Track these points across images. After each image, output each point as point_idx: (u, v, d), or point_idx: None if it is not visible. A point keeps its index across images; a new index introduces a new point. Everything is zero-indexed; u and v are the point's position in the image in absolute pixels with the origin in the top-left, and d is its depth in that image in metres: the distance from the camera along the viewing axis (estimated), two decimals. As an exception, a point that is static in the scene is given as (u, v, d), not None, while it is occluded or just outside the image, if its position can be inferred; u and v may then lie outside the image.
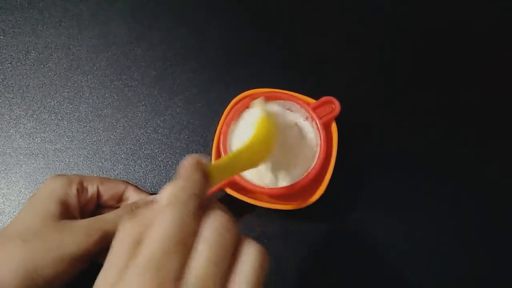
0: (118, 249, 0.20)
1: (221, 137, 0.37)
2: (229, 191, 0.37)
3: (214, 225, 0.21)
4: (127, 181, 0.38)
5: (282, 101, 0.39)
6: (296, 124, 0.40)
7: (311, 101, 0.39)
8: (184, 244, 0.19)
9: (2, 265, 0.27)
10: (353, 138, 0.43)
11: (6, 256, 0.28)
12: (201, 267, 0.19)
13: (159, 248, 0.19)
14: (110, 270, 0.19)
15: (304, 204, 0.37)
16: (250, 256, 0.21)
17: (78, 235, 0.29)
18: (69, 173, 0.42)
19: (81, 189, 0.33)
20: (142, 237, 0.20)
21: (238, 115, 0.39)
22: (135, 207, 0.33)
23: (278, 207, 0.37)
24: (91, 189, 0.34)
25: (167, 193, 0.21)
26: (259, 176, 0.37)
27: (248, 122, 0.39)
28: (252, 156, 0.31)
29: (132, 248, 0.20)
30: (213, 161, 0.25)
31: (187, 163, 0.23)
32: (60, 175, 0.33)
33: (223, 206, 0.23)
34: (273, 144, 0.34)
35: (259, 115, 0.34)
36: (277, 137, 0.35)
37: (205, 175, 0.23)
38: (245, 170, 0.32)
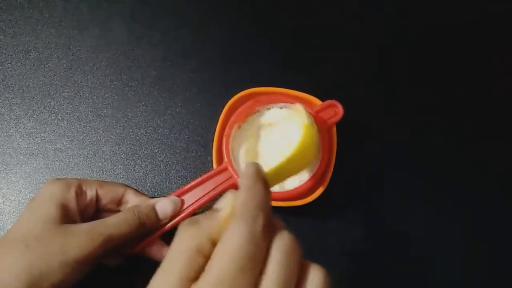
0: (178, 255, 0.20)
1: (224, 139, 0.37)
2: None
3: (283, 245, 0.20)
4: (126, 184, 0.38)
5: (284, 104, 0.39)
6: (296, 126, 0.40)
7: (316, 100, 0.39)
8: (256, 262, 0.19)
9: (6, 271, 0.27)
10: (353, 138, 0.43)
11: (10, 262, 0.27)
12: (272, 287, 0.19)
13: (231, 265, 0.18)
14: (169, 277, 0.19)
15: (304, 202, 0.37)
16: (316, 281, 0.21)
17: (81, 239, 0.29)
18: (69, 174, 0.42)
19: (80, 193, 0.33)
20: (205, 247, 0.19)
21: (243, 118, 0.39)
22: (137, 211, 0.33)
23: (280, 204, 0.37)
24: (90, 193, 0.33)
25: (228, 203, 0.21)
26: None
27: (255, 127, 0.39)
28: (299, 162, 0.32)
29: (194, 257, 0.19)
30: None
31: (250, 171, 0.22)
32: (58, 179, 0.33)
33: (285, 226, 0.22)
34: (315, 151, 0.35)
35: (302, 122, 0.34)
36: (318, 143, 0.36)
37: (267, 186, 0.22)
38: (291, 176, 0.33)
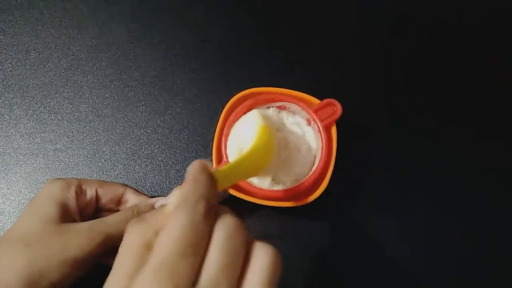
0: (126, 253, 0.20)
1: (223, 138, 0.37)
2: (231, 191, 0.37)
3: (225, 229, 0.21)
4: (126, 184, 0.38)
5: (282, 103, 0.39)
6: (296, 126, 0.40)
7: (314, 100, 0.39)
8: (197, 247, 0.19)
9: (6, 270, 0.27)
10: (353, 138, 0.43)
11: (10, 261, 0.28)
12: (214, 271, 0.19)
13: (172, 251, 0.19)
14: (118, 275, 0.19)
15: (303, 202, 0.37)
16: (262, 259, 0.21)
17: (80, 238, 0.29)
18: (69, 174, 0.42)
19: (80, 192, 0.33)
20: (151, 241, 0.20)
21: (240, 117, 0.39)
22: (136, 210, 0.33)
23: (278, 204, 0.37)
24: (90, 192, 0.34)
25: (175, 197, 0.21)
26: (260, 179, 0.37)
27: (248, 125, 0.39)
28: (253, 164, 0.32)
29: (141, 252, 0.19)
30: (217, 167, 0.25)
31: (193, 167, 0.23)
32: (58, 178, 0.33)
33: (231, 210, 0.23)
34: (272, 154, 0.35)
35: (257, 124, 0.34)
36: (275, 146, 0.36)
37: (212, 178, 0.23)
38: (247, 177, 0.34)
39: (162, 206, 0.22)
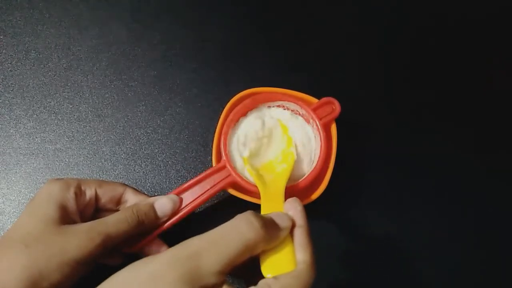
0: (235, 240, 0.23)
1: (222, 137, 0.37)
2: (231, 191, 0.37)
3: None
4: (125, 183, 0.38)
5: (282, 102, 0.39)
6: (296, 125, 0.40)
7: (313, 99, 0.39)
8: None
9: (6, 272, 0.27)
10: (353, 138, 0.43)
11: (10, 263, 0.27)
12: None
13: None
14: (221, 255, 0.23)
15: (304, 202, 0.37)
16: None
17: (80, 239, 0.29)
18: (69, 174, 0.42)
19: (79, 193, 0.33)
20: (256, 250, 0.24)
21: (239, 117, 0.39)
22: (136, 210, 0.33)
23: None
24: (89, 192, 0.33)
25: (288, 225, 0.26)
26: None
27: (249, 125, 0.39)
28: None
29: (246, 250, 0.23)
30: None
31: (303, 210, 0.28)
32: (57, 179, 0.33)
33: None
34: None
35: (293, 153, 0.38)
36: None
37: None
38: None
39: (276, 224, 0.26)
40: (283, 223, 0.26)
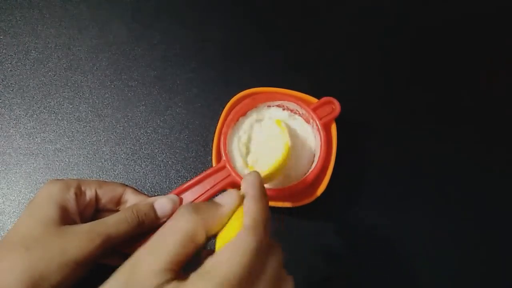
0: (170, 237, 0.22)
1: (222, 137, 0.37)
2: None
3: (276, 263, 0.22)
4: (125, 183, 0.38)
5: (281, 101, 0.39)
6: (295, 125, 0.40)
7: (311, 99, 0.39)
8: (254, 276, 0.21)
9: (7, 274, 0.27)
10: (353, 138, 0.43)
11: (10, 264, 0.27)
12: None
13: (239, 271, 0.20)
14: (157, 256, 0.21)
15: (303, 202, 0.37)
16: None
17: (80, 240, 0.29)
18: (69, 174, 0.42)
19: (79, 193, 0.33)
20: (199, 237, 0.22)
21: (238, 117, 0.39)
22: (136, 210, 0.32)
23: (278, 204, 0.37)
24: (89, 193, 0.33)
25: (232, 201, 0.24)
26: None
27: (249, 125, 0.39)
28: (277, 174, 0.36)
29: (186, 244, 0.21)
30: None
31: (256, 182, 0.25)
32: (57, 179, 0.33)
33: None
34: (287, 162, 0.38)
35: (284, 142, 0.37)
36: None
37: (266, 195, 0.25)
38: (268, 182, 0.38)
39: (215, 203, 0.24)
40: (223, 200, 0.25)
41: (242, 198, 0.25)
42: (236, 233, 0.22)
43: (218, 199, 0.25)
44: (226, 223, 0.25)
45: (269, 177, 0.36)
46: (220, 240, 0.24)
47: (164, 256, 0.21)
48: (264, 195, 0.24)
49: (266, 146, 0.39)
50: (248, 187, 0.25)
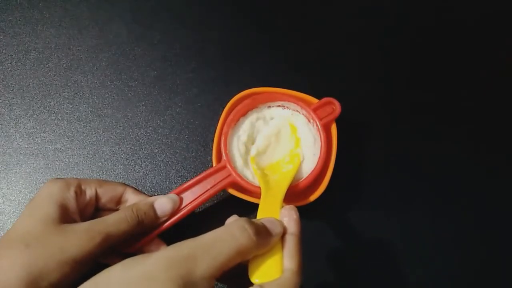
0: (228, 243, 0.23)
1: (222, 137, 0.37)
2: (231, 191, 0.37)
3: None
4: (125, 183, 0.38)
5: (282, 102, 0.39)
6: (296, 125, 0.40)
7: (311, 99, 0.39)
8: None
9: (6, 271, 0.27)
10: (353, 138, 0.43)
11: (10, 262, 0.27)
12: None
13: None
14: (213, 258, 0.23)
15: (303, 203, 0.37)
16: None
17: (80, 238, 0.29)
18: (69, 174, 0.42)
19: (80, 192, 0.33)
20: (247, 256, 0.24)
21: (239, 117, 0.39)
22: (135, 209, 0.33)
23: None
24: (89, 192, 0.33)
25: (279, 231, 0.26)
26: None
27: (249, 125, 0.39)
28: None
29: (236, 258, 0.23)
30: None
31: (298, 219, 0.28)
32: (57, 178, 0.33)
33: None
34: None
35: (299, 155, 0.38)
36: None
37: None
38: None
39: (269, 232, 0.26)
40: (275, 229, 0.26)
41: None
42: (275, 267, 0.25)
43: (267, 224, 0.26)
44: None
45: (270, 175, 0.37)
46: (254, 265, 0.25)
47: (219, 263, 0.22)
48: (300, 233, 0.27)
49: (273, 140, 0.39)
50: (291, 224, 0.27)
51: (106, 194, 0.34)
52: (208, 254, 0.23)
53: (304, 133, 0.39)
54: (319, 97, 0.39)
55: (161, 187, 0.42)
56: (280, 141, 0.39)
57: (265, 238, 0.25)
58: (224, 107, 0.39)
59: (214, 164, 0.38)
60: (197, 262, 0.22)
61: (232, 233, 0.24)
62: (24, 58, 0.46)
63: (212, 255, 0.23)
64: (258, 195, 0.37)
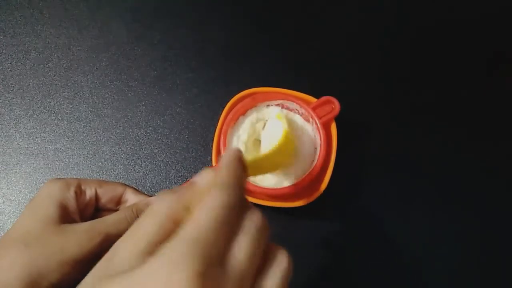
0: (151, 220, 0.20)
1: (221, 137, 0.37)
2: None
3: (255, 221, 0.21)
4: (125, 183, 0.38)
5: (281, 101, 0.39)
6: (296, 124, 0.40)
7: (312, 99, 0.39)
8: (230, 227, 0.20)
9: (6, 271, 0.27)
10: (353, 137, 0.43)
11: (9, 262, 0.27)
12: (242, 256, 0.20)
13: (209, 226, 0.19)
14: (137, 241, 0.20)
15: (304, 203, 0.37)
16: (281, 263, 0.22)
17: (80, 238, 0.29)
18: (69, 174, 0.42)
19: (79, 192, 0.33)
20: (179, 216, 0.20)
21: (238, 116, 0.39)
22: (135, 209, 0.33)
23: (278, 205, 0.37)
24: (89, 192, 0.33)
25: (208, 177, 0.22)
26: (260, 177, 0.37)
27: (249, 124, 0.39)
28: (275, 161, 0.34)
29: (167, 224, 0.20)
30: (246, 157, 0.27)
31: (229, 153, 0.23)
32: (57, 178, 0.33)
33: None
34: (292, 156, 0.37)
35: (282, 128, 0.36)
36: (294, 150, 0.38)
37: (245, 167, 0.24)
38: (267, 172, 0.36)
39: (193, 183, 0.23)
40: (197, 177, 0.24)
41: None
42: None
43: (193, 178, 0.25)
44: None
45: (270, 163, 0.33)
46: None
47: (144, 239, 0.20)
48: (237, 160, 0.23)
49: (270, 139, 0.39)
50: (221, 158, 0.24)
51: (106, 194, 0.34)
52: (130, 238, 0.21)
53: (302, 132, 0.39)
54: (319, 97, 0.39)
55: (161, 187, 0.42)
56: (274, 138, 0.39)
57: (184, 190, 0.22)
58: (224, 107, 0.39)
59: (214, 164, 0.38)
60: (119, 250, 0.21)
61: (149, 208, 0.22)
62: (24, 58, 0.46)
63: (134, 237, 0.21)
64: (257, 195, 0.37)
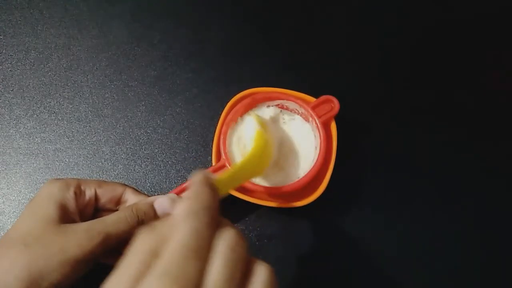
0: (133, 258, 0.21)
1: (221, 137, 0.37)
2: (231, 191, 0.37)
3: (228, 240, 0.22)
4: (125, 183, 0.38)
5: (280, 100, 0.39)
6: (295, 124, 0.40)
7: (311, 99, 0.39)
8: (200, 252, 0.21)
9: (6, 271, 0.27)
10: (353, 137, 0.43)
11: (10, 262, 0.28)
12: (218, 277, 0.20)
13: (178, 256, 0.20)
14: (124, 277, 0.20)
15: (304, 203, 0.37)
16: (263, 276, 0.22)
17: (80, 238, 0.29)
18: (69, 174, 0.42)
19: (79, 193, 0.33)
20: (158, 249, 0.21)
21: (238, 116, 0.39)
22: (135, 209, 0.33)
23: (278, 205, 0.37)
24: (89, 192, 0.33)
25: (181, 208, 0.23)
26: (260, 177, 0.37)
27: (249, 124, 0.39)
28: (253, 168, 0.34)
29: (148, 258, 0.21)
30: (218, 175, 0.27)
31: (196, 179, 0.24)
32: (57, 179, 0.33)
33: (232, 224, 0.24)
34: (271, 153, 0.36)
35: (254, 129, 0.36)
36: (274, 145, 0.37)
37: (214, 189, 0.24)
38: (249, 179, 0.35)
39: (169, 216, 0.23)
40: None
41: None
42: None
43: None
44: None
45: (244, 171, 0.32)
46: None
47: (129, 279, 0.21)
48: (204, 186, 0.24)
49: (250, 142, 0.38)
50: (189, 186, 0.25)
51: (105, 195, 0.34)
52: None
53: (296, 132, 0.39)
54: (318, 96, 0.39)
55: (161, 187, 0.42)
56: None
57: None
58: (224, 107, 0.39)
59: (213, 164, 0.38)
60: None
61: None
62: (24, 58, 0.46)
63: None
64: (257, 195, 0.37)
